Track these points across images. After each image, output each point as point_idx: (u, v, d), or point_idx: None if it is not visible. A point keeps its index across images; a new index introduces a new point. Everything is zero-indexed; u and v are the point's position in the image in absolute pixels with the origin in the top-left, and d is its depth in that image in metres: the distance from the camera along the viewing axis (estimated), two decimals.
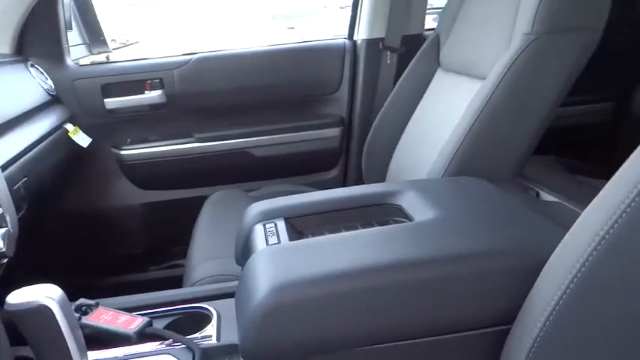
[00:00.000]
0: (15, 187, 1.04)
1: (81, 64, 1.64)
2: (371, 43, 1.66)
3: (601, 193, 0.57)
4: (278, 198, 0.91)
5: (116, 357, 0.75)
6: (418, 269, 0.65)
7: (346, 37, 1.73)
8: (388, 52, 1.63)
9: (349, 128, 1.72)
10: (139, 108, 1.61)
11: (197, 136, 1.64)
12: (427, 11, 1.70)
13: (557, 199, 0.94)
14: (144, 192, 1.67)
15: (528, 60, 1.00)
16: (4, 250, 0.85)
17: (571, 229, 0.59)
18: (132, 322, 0.78)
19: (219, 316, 0.84)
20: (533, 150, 1.09)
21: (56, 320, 0.61)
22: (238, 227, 0.89)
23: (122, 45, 2.42)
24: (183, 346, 0.75)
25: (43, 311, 0.61)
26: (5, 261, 0.87)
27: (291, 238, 0.77)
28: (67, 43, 1.59)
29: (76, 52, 1.70)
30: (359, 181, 1.63)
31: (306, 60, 1.69)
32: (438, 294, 0.65)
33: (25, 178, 1.11)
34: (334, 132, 1.70)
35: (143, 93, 1.60)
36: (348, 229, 0.81)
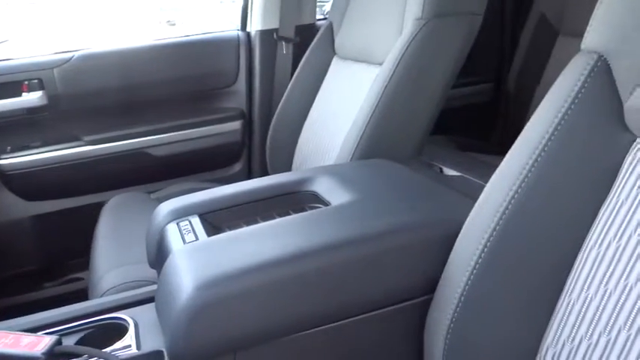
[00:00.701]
0: None
1: None
2: (265, 34, 1.64)
3: (499, 169, 0.63)
4: (188, 195, 0.88)
5: None
6: (341, 251, 0.66)
7: (239, 28, 1.70)
8: (283, 43, 1.63)
9: (250, 121, 1.70)
10: (17, 112, 1.46)
11: (86, 138, 1.52)
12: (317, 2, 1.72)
13: (459, 174, 1.00)
14: (31, 204, 1.53)
15: (421, 44, 1.05)
16: None
17: (478, 201, 0.64)
18: (38, 343, 0.71)
19: (136, 324, 0.79)
20: (431, 130, 1.15)
21: None
22: (147, 229, 0.85)
23: None
24: None
25: None
26: None
27: (209, 234, 0.74)
28: None
29: None
30: (264, 174, 1.61)
31: (199, 53, 1.64)
32: (362, 273, 0.66)
33: None
34: (235, 125, 1.66)
35: (20, 95, 1.45)
36: (265, 219, 0.80)
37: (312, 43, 1.43)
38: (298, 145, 1.43)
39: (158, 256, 0.79)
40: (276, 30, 1.64)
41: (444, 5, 1.07)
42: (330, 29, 1.41)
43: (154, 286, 0.81)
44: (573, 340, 0.54)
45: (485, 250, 0.60)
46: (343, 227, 0.70)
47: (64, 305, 0.86)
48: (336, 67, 1.38)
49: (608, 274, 0.53)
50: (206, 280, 0.61)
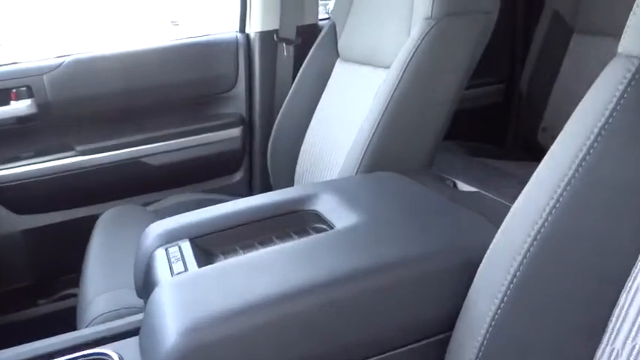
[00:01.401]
0: None
1: None
2: (265, 36, 1.57)
3: (526, 188, 0.55)
4: (180, 215, 0.80)
5: None
6: (348, 285, 0.59)
7: (237, 30, 1.62)
8: (284, 44, 1.56)
9: (250, 127, 1.62)
10: (6, 121, 1.39)
11: (79, 148, 1.46)
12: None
13: (474, 189, 0.93)
14: (21, 217, 1.46)
15: (431, 45, 0.98)
16: None
17: (503, 225, 0.56)
18: None
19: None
20: (443, 137, 1.07)
21: None
22: (135, 254, 0.78)
23: None
24: None
25: None
26: None
27: (199, 264, 0.67)
28: None
29: None
30: (266, 183, 1.55)
31: (196, 57, 1.56)
32: (370, 310, 0.59)
33: None
34: (235, 132, 1.59)
35: (8, 104, 1.39)
36: (263, 244, 0.73)
37: (314, 45, 1.36)
38: (301, 153, 1.35)
39: (145, 285, 0.72)
40: (276, 31, 1.56)
41: (454, 3, 0.99)
42: (333, 30, 1.34)
43: (142, 315, 0.75)
44: None
45: (515, 280, 0.52)
46: (348, 257, 0.63)
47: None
48: (340, 70, 1.30)
49: None
50: (193, 323, 0.54)
